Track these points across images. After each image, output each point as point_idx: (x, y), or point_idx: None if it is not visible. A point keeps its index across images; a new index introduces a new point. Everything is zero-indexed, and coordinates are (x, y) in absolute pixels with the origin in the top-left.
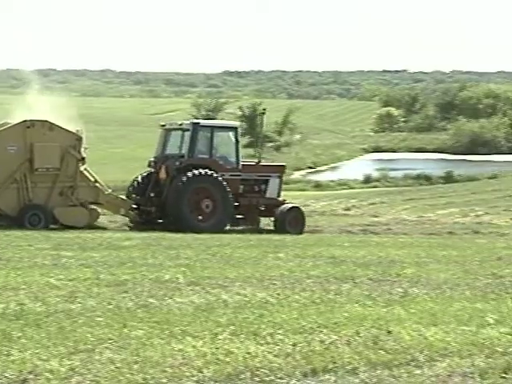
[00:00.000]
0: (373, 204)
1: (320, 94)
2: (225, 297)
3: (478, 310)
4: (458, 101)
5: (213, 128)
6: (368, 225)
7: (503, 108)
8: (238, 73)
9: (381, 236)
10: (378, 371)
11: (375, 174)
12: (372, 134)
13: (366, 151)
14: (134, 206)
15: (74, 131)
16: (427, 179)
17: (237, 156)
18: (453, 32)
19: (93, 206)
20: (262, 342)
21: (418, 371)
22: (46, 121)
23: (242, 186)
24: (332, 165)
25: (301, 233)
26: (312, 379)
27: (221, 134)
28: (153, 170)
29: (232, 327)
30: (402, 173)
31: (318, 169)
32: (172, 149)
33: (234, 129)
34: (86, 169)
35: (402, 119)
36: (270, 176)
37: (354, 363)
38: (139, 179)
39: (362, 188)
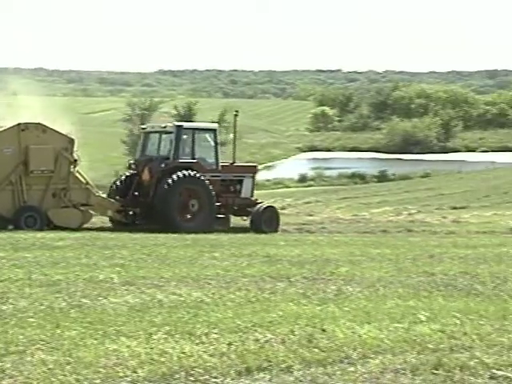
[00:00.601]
0: (308, 203)
1: (255, 93)
2: (160, 296)
3: (411, 308)
4: (391, 100)
5: (194, 130)
6: (303, 224)
7: (435, 108)
8: (172, 72)
9: (316, 235)
10: (312, 369)
11: (310, 173)
12: (307, 133)
13: (301, 150)
14: (121, 208)
15: (66, 134)
16: (361, 178)
17: (216, 157)
18: (386, 32)
19: (83, 208)
20: (196, 341)
21: (352, 368)
22: (40, 123)
23: (220, 187)
24: (267, 164)
25: (276, 231)
26: (246, 378)
27: (201, 136)
28: (133, 172)
29: (167, 327)
30: (336, 172)
31: None
32: (153, 151)
33: (213, 130)
34: (77, 171)
35: (337, 118)
36: (244, 176)
37: (289, 361)
38: (121, 181)
39: (298, 187)
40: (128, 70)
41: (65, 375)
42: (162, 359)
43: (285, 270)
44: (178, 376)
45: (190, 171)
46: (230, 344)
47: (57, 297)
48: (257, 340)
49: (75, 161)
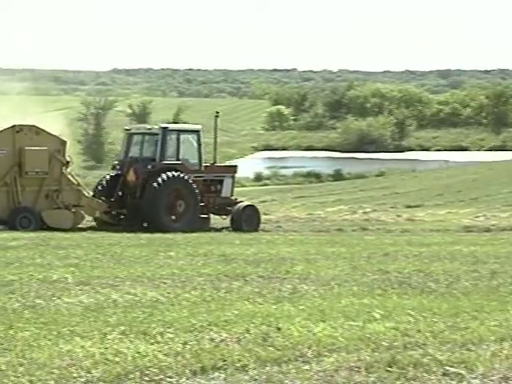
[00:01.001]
0: (263, 202)
1: (210, 92)
2: (115, 296)
3: (365, 306)
4: (346, 100)
5: (179, 132)
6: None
7: (389, 107)
8: (127, 71)
9: (271, 234)
10: (268, 368)
11: (266, 172)
12: (262, 132)
13: (257, 149)
14: (108, 209)
15: (58, 136)
16: (317, 177)
17: (199, 158)
18: (340, 31)
19: (74, 209)
20: (151, 341)
21: (306, 367)
22: (34, 125)
23: (203, 187)
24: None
25: (256, 230)
26: (201, 377)
27: (185, 138)
28: (117, 173)
29: (122, 327)
30: (292, 171)
31: None
32: (137, 152)
33: (196, 132)
34: (69, 172)
35: (292, 117)
36: (224, 176)
37: (244, 360)
38: (105, 181)
39: (253, 186)
40: (82, 68)
41: (17, 377)
42: (117, 359)
43: (240, 268)
44: (132, 376)
45: (176, 172)
46: (185, 343)
47: (10, 297)
48: (212, 339)
49: (67, 162)
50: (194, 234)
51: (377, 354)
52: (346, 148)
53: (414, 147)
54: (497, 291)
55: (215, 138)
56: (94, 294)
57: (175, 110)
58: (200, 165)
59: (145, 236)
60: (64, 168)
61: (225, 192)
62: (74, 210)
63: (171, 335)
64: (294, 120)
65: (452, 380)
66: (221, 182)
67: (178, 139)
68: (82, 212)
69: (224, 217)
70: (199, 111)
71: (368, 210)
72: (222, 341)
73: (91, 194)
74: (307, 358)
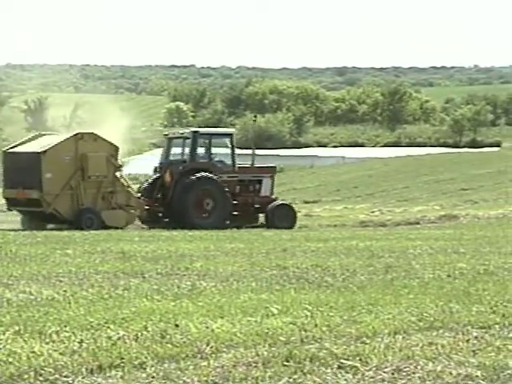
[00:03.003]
0: None
1: (108, 88)
2: (9, 295)
3: (263, 301)
4: (244, 96)
5: (210, 135)
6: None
7: (287, 104)
8: (21, 66)
9: (170, 230)
10: (166, 365)
11: None
12: (162, 128)
13: (156, 146)
14: (146, 207)
15: (111, 142)
16: None
17: (233, 159)
18: (237, 28)
19: (127, 209)
20: (47, 340)
21: (204, 363)
22: (92, 133)
23: (238, 187)
24: (122, 160)
25: (291, 227)
26: (98, 376)
27: (218, 140)
28: (158, 175)
29: (16, 326)
30: None
31: None
32: (174, 155)
33: (229, 135)
34: (121, 175)
35: (191, 114)
36: (263, 176)
37: (142, 358)
38: (149, 182)
39: None
40: None
41: None
42: (10, 359)
43: (139, 265)
44: (26, 376)
45: (204, 173)
46: (81, 342)
47: None
48: (109, 337)
49: (120, 166)
50: (92, 232)
51: (274, 349)
52: (244, 144)
53: (311, 143)
54: (391, 285)
55: (252, 140)
56: None
57: (72, 106)
58: (234, 166)
59: (41, 234)
60: (117, 171)
61: (263, 191)
62: (127, 210)
63: (67, 334)
64: (193, 116)
65: (347, 373)
66: (259, 181)
67: (210, 142)
68: (133, 211)
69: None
70: (97, 107)
71: None
72: (120, 338)
73: (138, 194)
74: (205, 354)
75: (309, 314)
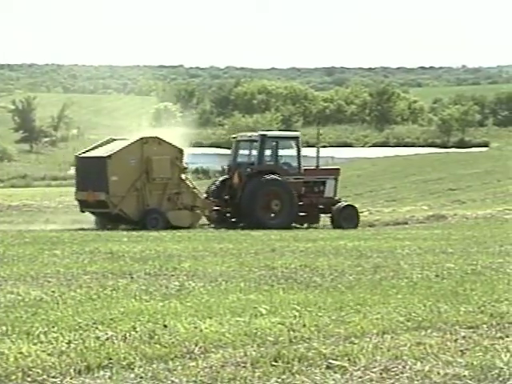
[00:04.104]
0: None
1: (96, 88)
2: None
3: (252, 301)
4: (233, 96)
5: (277, 138)
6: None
7: (276, 104)
8: (9, 66)
9: (159, 230)
10: (154, 365)
11: None
12: (150, 128)
13: None
14: (215, 208)
15: (176, 145)
16: (205, 173)
17: (298, 161)
18: (226, 28)
19: (193, 209)
20: (35, 341)
21: (193, 363)
22: (157, 137)
23: (303, 188)
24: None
25: (355, 227)
26: (86, 376)
27: (284, 143)
28: (226, 177)
29: (3, 327)
30: None
31: None
32: (243, 157)
33: (295, 138)
34: (186, 177)
35: (180, 114)
36: (327, 178)
37: (130, 358)
38: (216, 184)
39: None
40: None
41: None
42: None
43: (127, 266)
44: (14, 377)
45: (272, 175)
46: (69, 342)
47: None
48: (97, 338)
49: (185, 168)
50: (80, 232)
51: (263, 349)
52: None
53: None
54: (379, 285)
55: (318, 145)
56: None
57: (60, 106)
58: (299, 168)
59: (29, 235)
60: (182, 173)
61: (327, 192)
62: (193, 210)
63: (55, 334)
64: (182, 117)
65: (335, 373)
66: (323, 183)
67: (277, 145)
68: (198, 212)
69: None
70: (85, 107)
71: None
72: (108, 339)
73: (205, 195)
74: (194, 354)
75: (297, 314)
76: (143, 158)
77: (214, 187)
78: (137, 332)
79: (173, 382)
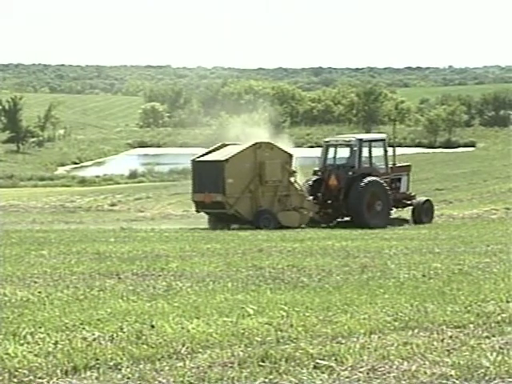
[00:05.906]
0: (139, 199)
1: (83, 88)
2: None
3: (239, 302)
4: (220, 96)
5: (370, 142)
6: (134, 220)
7: (263, 104)
8: None
9: (146, 231)
10: (141, 365)
11: (141, 169)
12: (137, 129)
13: (132, 146)
14: (318, 210)
15: (286, 150)
16: None
17: (386, 161)
18: (213, 29)
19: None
20: (21, 341)
21: (180, 364)
22: (269, 142)
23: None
24: (97, 160)
25: (430, 221)
26: (73, 377)
27: (375, 146)
28: (318, 178)
29: None
30: (167, 167)
31: (83, 164)
32: (334, 160)
33: (383, 140)
34: (295, 180)
35: (167, 114)
36: (402, 175)
37: (117, 359)
38: (309, 185)
39: (128, 183)
40: None
41: None
42: None
43: (114, 266)
44: (0, 378)
45: (374, 177)
46: (56, 343)
47: None
48: (84, 338)
49: (294, 172)
50: (67, 233)
51: (250, 349)
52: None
53: (287, 144)
54: (367, 285)
55: (394, 146)
56: None
57: (47, 106)
58: (386, 168)
59: (16, 235)
60: (291, 176)
61: (402, 188)
62: (301, 211)
63: (42, 335)
64: (169, 117)
65: (323, 373)
66: (399, 179)
67: (370, 148)
68: (306, 213)
69: (396, 209)
70: (72, 107)
71: None
72: (95, 339)
73: (311, 198)
74: (181, 354)
75: (285, 314)
76: (257, 161)
77: (306, 187)
78: (124, 332)
79: (160, 382)
